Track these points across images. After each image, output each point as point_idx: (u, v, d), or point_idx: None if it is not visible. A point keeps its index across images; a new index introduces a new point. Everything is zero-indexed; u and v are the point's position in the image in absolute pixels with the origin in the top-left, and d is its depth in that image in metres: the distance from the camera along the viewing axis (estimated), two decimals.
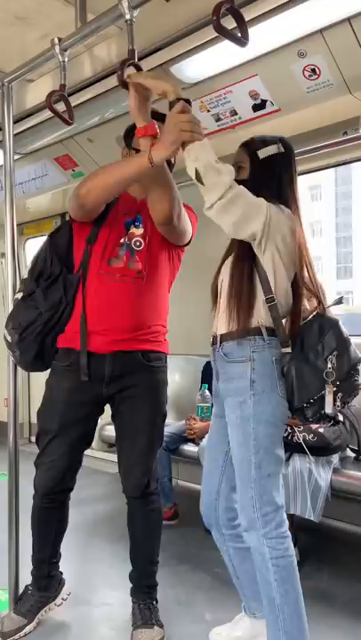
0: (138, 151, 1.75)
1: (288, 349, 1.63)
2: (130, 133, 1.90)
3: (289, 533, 1.57)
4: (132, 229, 1.87)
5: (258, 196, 1.54)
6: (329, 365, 1.61)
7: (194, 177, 1.48)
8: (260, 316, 1.58)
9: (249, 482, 1.54)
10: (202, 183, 1.47)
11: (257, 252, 1.57)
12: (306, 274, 1.68)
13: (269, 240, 1.55)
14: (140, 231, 1.86)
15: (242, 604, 1.83)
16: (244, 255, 1.59)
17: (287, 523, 1.59)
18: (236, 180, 1.55)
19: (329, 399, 1.59)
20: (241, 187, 1.50)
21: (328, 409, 1.60)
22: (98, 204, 1.78)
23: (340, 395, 1.61)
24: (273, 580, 1.51)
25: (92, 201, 1.75)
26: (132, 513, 1.93)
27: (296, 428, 2.26)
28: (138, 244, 1.85)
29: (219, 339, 1.65)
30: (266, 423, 1.56)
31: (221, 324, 1.65)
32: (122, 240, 1.84)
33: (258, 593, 1.67)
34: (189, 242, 1.94)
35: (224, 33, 1.48)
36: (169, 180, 1.72)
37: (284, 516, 1.58)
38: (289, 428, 2.25)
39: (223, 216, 1.50)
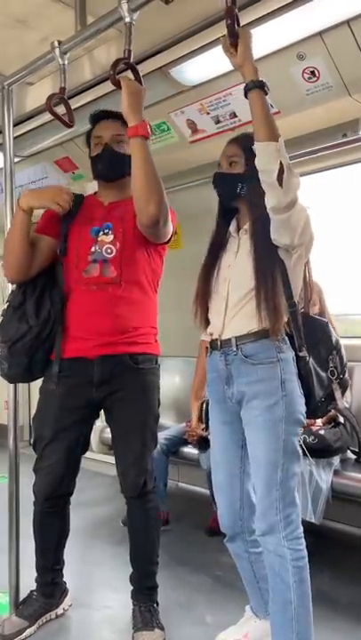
0: (91, 158, 1.91)
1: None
2: (87, 142, 1.98)
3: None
4: (101, 237, 1.85)
5: (254, 190, 1.53)
6: (331, 365, 1.65)
7: (275, 175, 1.41)
8: (283, 318, 1.57)
9: (275, 484, 1.52)
10: (280, 183, 1.42)
11: (284, 255, 1.56)
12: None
13: (306, 247, 1.57)
14: (109, 238, 1.85)
15: (248, 606, 1.81)
16: (270, 257, 1.56)
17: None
18: (229, 174, 1.60)
19: (338, 395, 1.63)
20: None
21: (340, 404, 1.65)
22: (23, 267, 1.84)
23: (340, 390, 1.65)
24: (292, 583, 1.50)
25: (15, 270, 1.84)
26: (130, 512, 1.95)
27: None
28: (109, 251, 1.83)
29: (234, 341, 1.60)
30: (295, 423, 1.56)
31: (236, 326, 1.60)
32: (92, 249, 1.84)
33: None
34: (170, 239, 1.93)
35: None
36: (158, 181, 1.70)
37: (300, 518, 1.58)
38: None
39: (288, 225, 1.49)
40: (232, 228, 1.71)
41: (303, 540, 1.55)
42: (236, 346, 1.59)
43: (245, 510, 1.69)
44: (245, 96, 1.50)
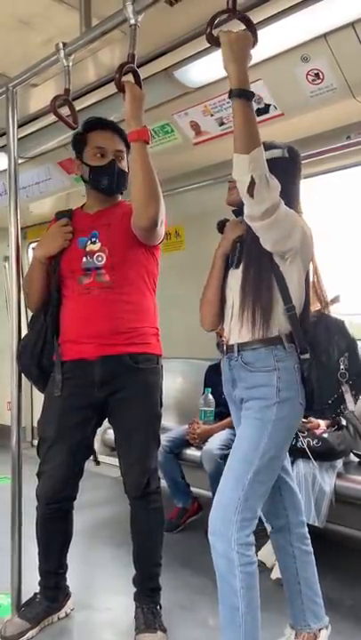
0: (89, 166, 1.90)
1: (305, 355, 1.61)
2: (78, 145, 1.95)
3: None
4: (90, 246, 1.89)
5: None
6: (342, 366, 1.62)
7: (246, 186, 1.44)
8: (281, 324, 1.58)
9: (242, 483, 1.51)
10: (251, 194, 1.44)
11: (280, 262, 1.57)
12: (312, 277, 1.70)
13: (298, 253, 1.58)
14: (97, 246, 1.88)
15: (288, 625, 1.78)
16: (263, 265, 1.58)
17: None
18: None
19: (349, 397, 1.62)
20: (283, 204, 1.51)
21: (351, 406, 1.63)
22: (44, 299, 1.96)
23: (353, 392, 1.63)
24: (240, 588, 1.47)
25: (39, 305, 1.98)
26: (133, 513, 1.94)
27: (300, 434, 2.25)
28: (100, 258, 1.87)
29: (236, 348, 1.63)
30: (283, 430, 1.56)
31: (238, 333, 1.63)
32: (84, 259, 1.88)
33: (313, 601, 1.70)
34: (162, 240, 1.96)
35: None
36: (157, 185, 1.74)
37: (255, 526, 1.56)
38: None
39: (267, 232, 1.52)
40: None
41: (253, 548, 1.52)
42: (238, 352, 1.62)
43: (287, 501, 1.72)
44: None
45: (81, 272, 1.88)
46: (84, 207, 2.03)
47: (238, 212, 1.71)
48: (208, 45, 2.15)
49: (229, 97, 1.46)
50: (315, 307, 1.76)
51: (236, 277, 1.66)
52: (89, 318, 1.86)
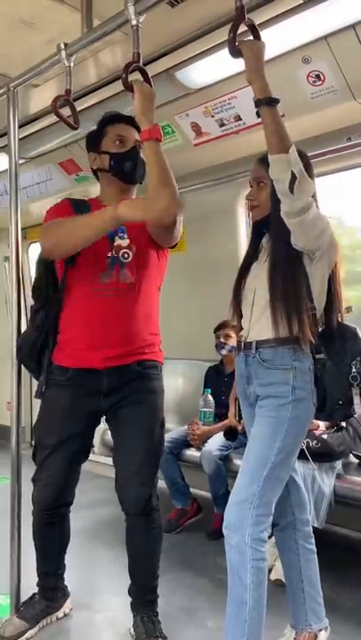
0: (110, 154, 1.82)
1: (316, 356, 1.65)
2: (96, 138, 1.89)
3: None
4: (118, 241, 1.80)
5: (278, 206, 1.58)
6: (354, 370, 1.67)
7: (287, 183, 1.48)
8: (302, 325, 1.59)
9: (258, 479, 1.53)
10: (291, 190, 1.48)
11: (308, 262, 1.60)
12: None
13: (325, 254, 1.60)
14: (125, 242, 1.81)
15: (288, 625, 1.78)
16: (292, 266, 1.60)
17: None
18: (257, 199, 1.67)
19: (357, 400, 1.67)
20: (315, 204, 1.56)
21: (358, 409, 1.68)
22: (67, 255, 1.77)
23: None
24: (249, 583, 1.49)
25: (59, 254, 1.78)
26: (131, 531, 1.87)
27: None
28: (126, 255, 1.80)
29: (254, 345, 1.65)
30: (298, 429, 1.59)
31: (258, 331, 1.65)
32: (109, 254, 1.79)
33: (315, 601, 1.72)
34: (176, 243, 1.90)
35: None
36: (174, 182, 1.70)
37: (270, 523, 1.58)
38: None
39: (302, 229, 1.55)
40: (264, 240, 1.74)
41: (265, 543, 1.54)
42: (256, 349, 1.65)
43: (294, 498, 1.74)
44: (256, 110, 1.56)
45: (103, 269, 1.77)
46: (98, 198, 1.91)
47: (263, 225, 1.72)
48: (209, 46, 2.18)
49: (258, 106, 1.53)
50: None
51: (261, 277, 1.66)
52: (106, 325, 1.77)
